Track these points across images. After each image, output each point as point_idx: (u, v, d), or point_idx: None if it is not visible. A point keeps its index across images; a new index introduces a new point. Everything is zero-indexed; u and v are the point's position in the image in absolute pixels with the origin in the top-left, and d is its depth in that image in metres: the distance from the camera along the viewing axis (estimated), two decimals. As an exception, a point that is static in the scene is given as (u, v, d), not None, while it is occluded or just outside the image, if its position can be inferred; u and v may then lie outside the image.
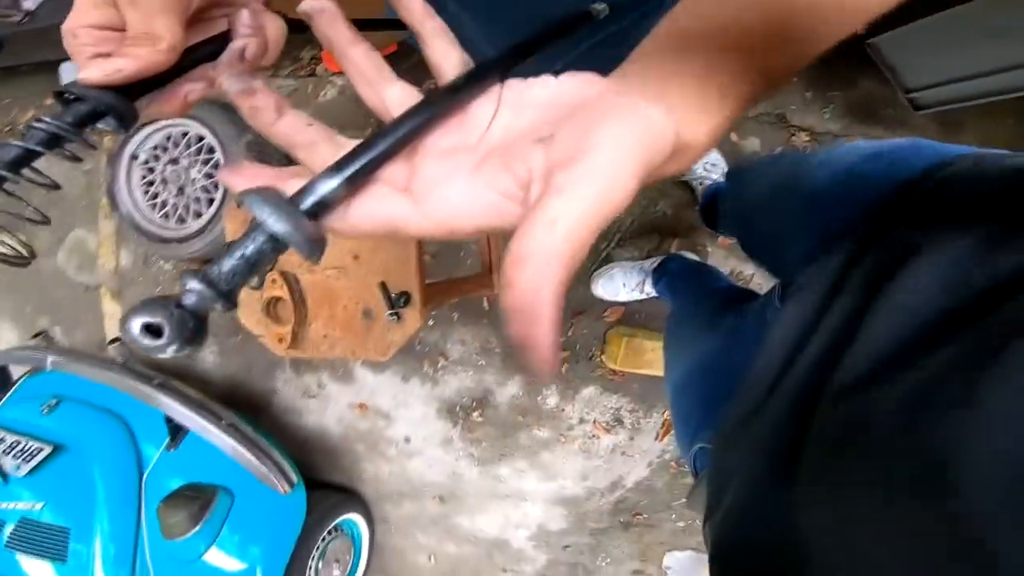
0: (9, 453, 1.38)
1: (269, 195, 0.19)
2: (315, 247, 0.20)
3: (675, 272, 1.27)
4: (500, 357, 1.61)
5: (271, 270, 1.07)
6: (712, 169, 1.34)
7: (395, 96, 0.24)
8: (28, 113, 2.16)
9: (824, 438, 0.29)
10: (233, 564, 1.43)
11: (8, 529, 1.35)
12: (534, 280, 0.18)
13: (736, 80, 0.23)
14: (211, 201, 1.63)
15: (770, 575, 0.29)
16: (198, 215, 1.65)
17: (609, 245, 1.47)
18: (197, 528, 1.36)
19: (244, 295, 1.09)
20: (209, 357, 1.95)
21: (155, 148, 1.70)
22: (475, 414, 1.67)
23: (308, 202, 0.20)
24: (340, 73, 1.68)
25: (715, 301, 0.85)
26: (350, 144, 0.23)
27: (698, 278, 1.15)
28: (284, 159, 1.69)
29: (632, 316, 1.49)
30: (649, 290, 1.40)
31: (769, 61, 0.24)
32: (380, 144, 0.21)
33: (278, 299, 1.09)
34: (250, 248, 0.20)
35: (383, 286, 1.01)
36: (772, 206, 0.64)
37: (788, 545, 0.28)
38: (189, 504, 1.38)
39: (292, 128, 0.24)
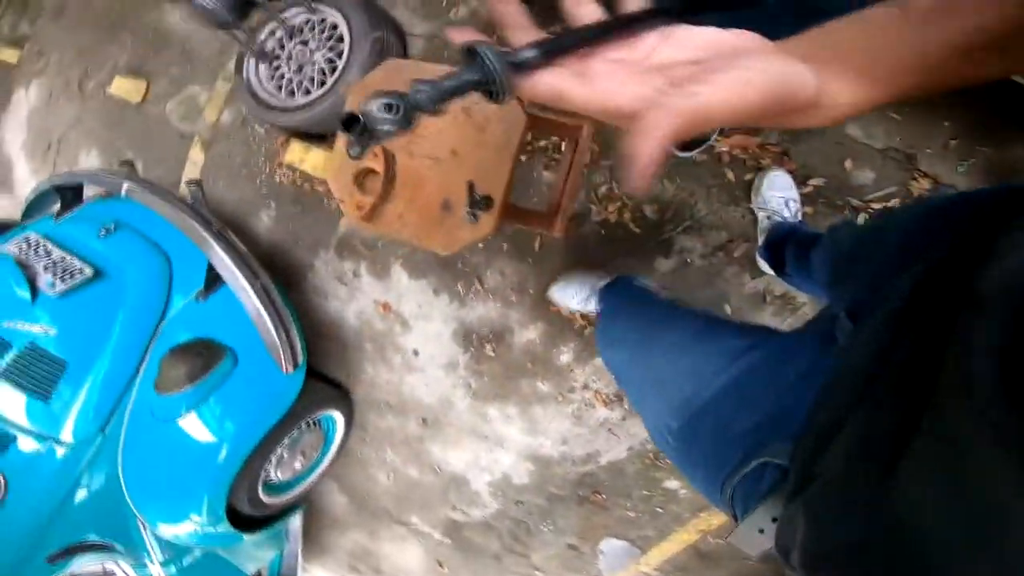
0: (50, 269, 1.37)
1: (489, 46, 0.28)
2: (508, 91, 0.28)
3: (621, 288, 1.34)
4: (532, 299, 1.66)
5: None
6: (785, 207, 1.35)
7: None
8: None
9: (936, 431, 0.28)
10: (204, 435, 1.39)
11: (11, 354, 1.29)
12: (662, 120, 0.25)
13: (894, 78, 0.29)
14: (322, 83, 1.78)
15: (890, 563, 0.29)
16: (307, 92, 1.80)
17: (675, 229, 1.53)
18: (190, 386, 1.34)
19: (339, 160, 1.20)
20: (264, 220, 2.06)
21: (292, 27, 1.88)
22: (488, 347, 1.71)
23: (515, 58, 0.29)
24: None
25: (690, 321, 0.80)
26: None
27: (652, 302, 1.16)
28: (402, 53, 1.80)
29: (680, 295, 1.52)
30: (593, 304, 1.46)
31: (935, 79, 0.29)
32: (569, 37, 0.30)
33: (371, 171, 1.16)
34: (464, 77, 0.29)
35: (470, 185, 1.07)
36: (858, 253, 0.66)
37: (902, 531, 0.28)
38: (193, 360, 1.36)
39: (513, 11, 0.32)
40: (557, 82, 0.29)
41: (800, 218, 1.38)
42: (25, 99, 2.84)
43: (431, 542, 1.84)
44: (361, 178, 1.18)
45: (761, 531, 0.46)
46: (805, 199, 1.41)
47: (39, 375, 1.29)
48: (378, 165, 1.14)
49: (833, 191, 1.39)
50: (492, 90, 0.28)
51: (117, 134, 2.45)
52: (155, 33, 2.43)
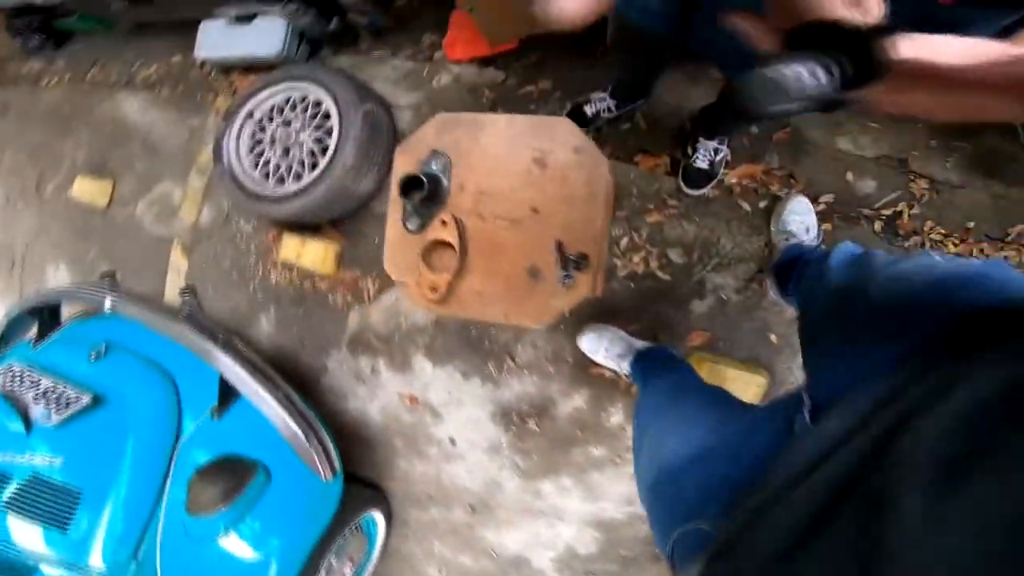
0: (41, 400, 1.28)
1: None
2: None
3: (656, 359, 1.31)
4: (570, 368, 1.58)
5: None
6: (805, 232, 1.36)
7: None
8: (151, 68, 2.29)
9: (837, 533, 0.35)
10: (247, 553, 1.28)
11: (12, 486, 1.21)
12: None
13: None
14: (314, 166, 1.68)
15: None
16: (298, 178, 1.70)
17: (704, 268, 1.48)
18: (226, 507, 1.24)
19: (397, 236, 1.08)
20: (264, 326, 1.93)
21: (271, 109, 1.78)
22: (531, 423, 1.62)
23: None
24: (457, 62, 1.76)
25: (703, 396, 0.89)
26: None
27: (678, 371, 1.18)
28: (393, 134, 1.75)
29: (716, 342, 1.48)
30: (625, 368, 1.42)
31: None
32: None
33: (441, 244, 1.03)
34: (844, 61, 0.27)
35: (559, 245, 0.96)
36: (837, 311, 0.68)
37: None
38: (224, 479, 1.26)
39: None
40: (909, 90, 0.31)
41: (820, 242, 1.41)
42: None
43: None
44: (429, 253, 1.04)
45: None
46: (820, 216, 1.43)
47: (51, 505, 1.21)
48: (450, 235, 0.99)
49: (843, 204, 1.44)
50: (868, 75, 0.28)
51: (87, 244, 2.28)
52: (113, 125, 2.30)
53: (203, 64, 2.16)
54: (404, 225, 1.08)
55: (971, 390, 0.34)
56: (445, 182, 1.06)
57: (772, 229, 1.43)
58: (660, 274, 1.51)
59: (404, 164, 1.09)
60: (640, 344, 1.44)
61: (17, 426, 1.22)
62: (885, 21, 0.30)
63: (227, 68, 2.11)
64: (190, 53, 2.00)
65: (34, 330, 1.63)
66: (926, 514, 0.28)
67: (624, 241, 1.54)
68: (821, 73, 0.26)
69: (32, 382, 1.31)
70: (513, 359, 1.63)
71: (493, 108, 1.72)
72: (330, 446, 1.45)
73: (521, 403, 1.63)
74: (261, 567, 1.29)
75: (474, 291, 1.04)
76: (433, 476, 1.74)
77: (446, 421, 1.71)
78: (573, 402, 1.59)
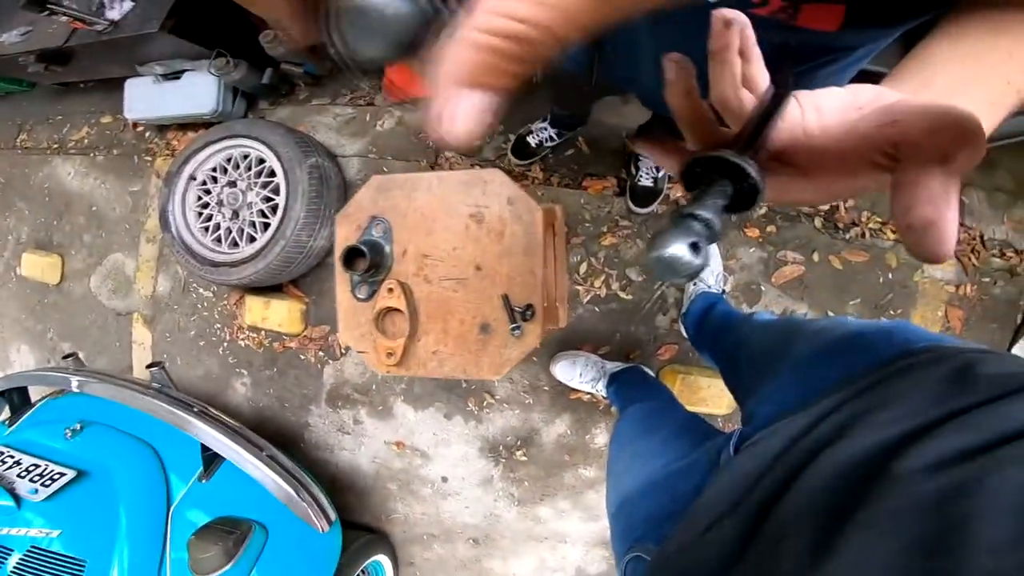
0: (26, 476, 1.36)
1: (732, 152, 0.29)
2: (765, 186, 0.29)
3: (630, 383, 1.41)
4: (549, 395, 1.68)
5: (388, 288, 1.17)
6: (708, 277, 1.49)
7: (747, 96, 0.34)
8: (81, 131, 2.34)
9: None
10: None
11: (14, 558, 1.29)
12: (944, 188, 0.25)
13: (1002, 99, 0.34)
14: (266, 226, 1.75)
15: None
16: (252, 240, 1.77)
17: (664, 283, 1.59)
18: (230, 566, 1.33)
19: (348, 306, 1.16)
20: (240, 390, 2.01)
21: (213, 170, 1.84)
22: (519, 453, 1.72)
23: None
24: (399, 103, 1.83)
25: (672, 426, 0.96)
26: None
27: (651, 399, 1.27)
28: (342, 185, 1.84)
29: (686, 354, 1.58)
30: (600, 390, 1.53)
31: None
32: (760, 125, 0.31)
33: (391, 310, 1.11)
34: (719, 189, 0.29)
35: (506, 299, 1.04)
36: (761, 363, 0.76)
37: None
38: (222, 539, 1.35)
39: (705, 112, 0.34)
40: (781, 181, 0.32)
41: (724, 288, 1.53)
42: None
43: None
44: (381, 321, 1.13)
45: None
46: (763, 220, 1.53)
47: (57, 574, 1.28)
48: (399, 302, 1.09)
49: (784, 205, 1.50)
50: (750, 199, 0.29)
51: (45, 323, 2.35)
52: (51, 195, 2.34)
53: (135, 124, 2.20)
54: (353, 294, 1.17)
55: (852, 442, 0.38)
56: (387, 248, 1.14)
57: None
58: (622, 295, 1.61)
59: (345, 234, 1.16)
60: (612, 366, 1.54)
61: (6, 501, 1.29)
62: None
63: (161, 127, 2.15)
64: (120, 112, 2.03)
65: (6, 411, 1.71)
66: (809, 571, 0.31)
67: (583, 267, 1.63)
68: (703, 241, 0.26)
69: (13, 460, 1.39)
70: (492, 395, 1.73)
71: (438, 150, 1.79)
72: (322, 498, 1.53)
73: (506, 436, 1.74)
74: (273, 621, 1.37)
75: (429, 352, 1.12)
76: (432, 515, 1.84)
77: (436, 461, 1.81)
78: (557, 428, 1.69)
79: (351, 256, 1.10)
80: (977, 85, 0.34)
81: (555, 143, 1.62)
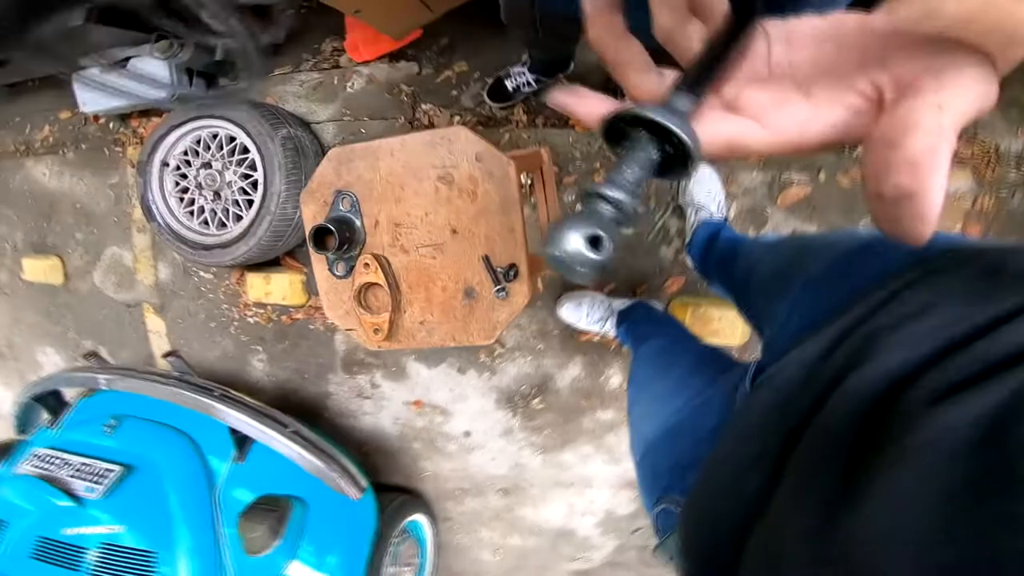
0: (78, 476, 1.46)
1: (653, 107, 0.24)
2: (699, 154, 0.24)
3: (639, 321, 1.38)
4: (559, 339, 1.70)
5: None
6: (710, 203, 1.43)
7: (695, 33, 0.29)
8: (43, 130, 2.34)
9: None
10: (313, 575, 1.52)
11: (91, 555, 1.38)
12: (929, 152, 0.21)
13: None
14: (250, 203, 1.76)
15: None
16: (239, 218, 1.78)
17: (664, 214, 1.54)
18: (278, 542, 1.44)
19: (327, 287, 1.17)
20: (258, 366, 2.10)
21: (185, 153, 1.84)
22: (535, 401, 1.77)
23: (679, 112, 0.25)
24: (365, 62, 1.77)
25: (686, 362, 0.93)
26: (668, 72, 0.29)
27: (662, 335, 1.23)
28: (319, 152, 1.82)
29: (694, 285, 1.56)
30: (609, 329, 1.51)
31: None
32: (710, 66, 0.26)
33: (371, 286, 1.12)
34: (642, 155, 0.24)
35: (487, 260, 1.04)
36: (772, 287, 0.72)
37: None
38: (266, 517, 1.45)
39: (635, 50, 0.29)
40: (723, 129, 0.27)
41: (727, 215, 1.47)
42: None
43: (562, 600, 2.00)
44: (363, 297, 1.15)
45: (671, 559, 0.56)
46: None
47: (133, 569, 1.39)
48: (376, 276, 1.11)
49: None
50: (682, 163, 0.25)
51: (62, 324, 2.47)
52: (32, 197, 2.38)
53: (96, 117, 2.18)
54: (331, 272, 1.18)
55: (875, 366, 0.35)
56: (357, 221, 1.13)
57: (680, 200, 1.49)
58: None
59: (311, 212, 1.15)
60: (619, 303, 1.53)
61: (66, 502, 1.40)
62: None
63: (123, 116, 2.13)
64: (76, 106, 2.00)
65: (45, 415, 1.83)
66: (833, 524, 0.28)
67: (579, 207, 1.59)
68: (609, 230, 0.23)
69: (63, 462, 1.51)
70: (502, 344, 1.76)
71: (414, 103, 1.73)
72: (351, 467, 1.63)
73: (520, 385, 1.78)
74: (329, 586, 1.51)
75: (416, 322, 1.14)
76: (460, 470, 1.94)
77: (456, 417, 1.88)
78: (570, 372, 1.73)
79: (320, 235, 1.09)
80: (995, 18, 0.26)
81: (532, 89, 1.56)
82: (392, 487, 2.01)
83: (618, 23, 0.28)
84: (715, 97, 0.28)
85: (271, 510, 1.48)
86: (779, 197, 1.48)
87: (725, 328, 1.49)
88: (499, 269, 1.05)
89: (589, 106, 0.29)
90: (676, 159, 0.25)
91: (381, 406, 1.97)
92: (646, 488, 0.70)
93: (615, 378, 1.69)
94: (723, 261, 1.20)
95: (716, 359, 0.92)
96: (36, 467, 1.51)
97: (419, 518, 1.94)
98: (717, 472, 0.46)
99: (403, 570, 1.86)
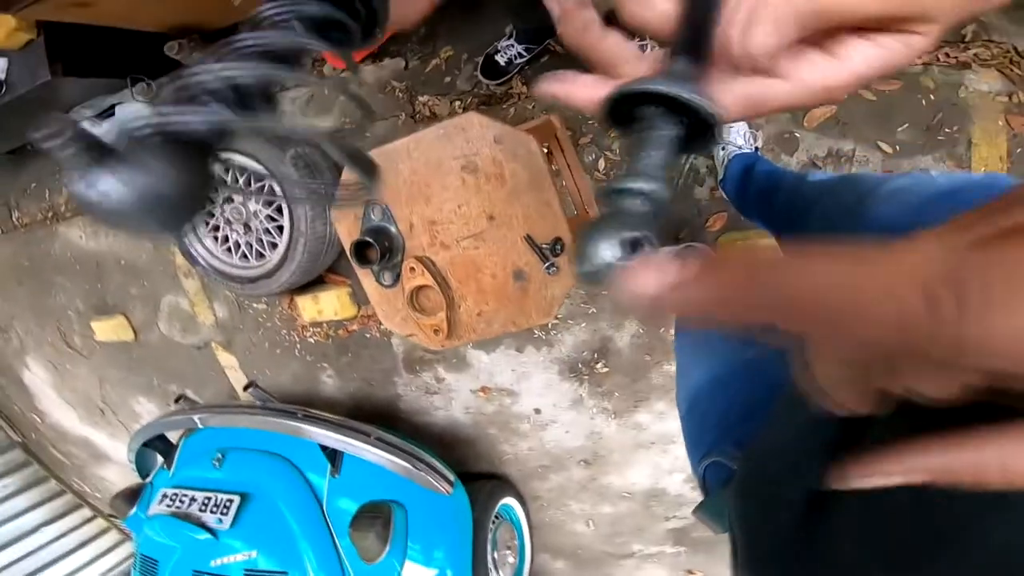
0: (205, 509, 1.56)
1: (660, 77, 0.21)
2: (721, 122, 0.22)
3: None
4: (609, 300, 1.64)
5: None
6: (737, 138, 1.34)
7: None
8: (63, 192, 2.41)
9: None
10: (426, 573, 1.58)
11: None
12: None
13: None
14: (280, 229, 1.78)
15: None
16: (274, 246, 1.81)
17: (689, 156, 1.45)
18: (388, 547, 1.51)
19: (379, 298, 1.17)
20: (328, 382, 2.17)
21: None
22: (599, 366, 1.74)
23: (687, 79, 0.22)
24: (345, 69, 1.72)
25: None
26: (650, 54, 0.26)
27: None
28: (333, 167, 1.81)
29: (737, 219, 1.46)
30: None
31: None
32: (699, 20, 0.22)
33: (421, 288, 1.11)
34: (666, 134, 0.22)
35: (530, 239, 1.02)
36: (831, 230, 0.64)
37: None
38: (372, 525, 1.52)
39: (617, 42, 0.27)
40: (748, 91, 0.24)
41: (757, 145, 1.38)
42: (36, 378, 3.08)
43: (667, 557, 1.98)
44: (415, 300, 1.14)
45: (720, 515, 0.54)
46: None
47: None
48: (424, 278, 1.10)
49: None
50: (704, 134, 0.23)
51: (145, 374, 2.62)
52: (78, 262, 2.50)
53: None
54: (379, 283, 1.17)
55: None
56: (392, 228, 1.12)
57: None
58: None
59: (345, 230, 1.14)
60: (663, 251, 1.47)
61: (204, 536, 1.51)
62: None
63: None
64: None
65: (160, 458, 1.96)
66: None
67: (602, 163, 1.52)
68: (645, 228, 0.20)
69: (189, 499, 1.61)
70: (555, 316, 1.73)
71: (411, 97, 1.69)
72: (436, 463, 1.68)
73: (581, 352, 1.75)
74: (441, 579, 1.58)
75: (473, 315, 1.12)
76: (538, 447, 1.95)
77: (523, 396, 1.88)
78: (628, 330, 1.67)
79: (361, 250, 1.09)
80: None
81: (525, 59, 1.50)
82: (478, 475, 2.05)
83: (591, 17, 0.26)
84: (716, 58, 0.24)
85: (375, 517, 1.55)
86: (804, 119, 1.36)
87: (781, 257, 1.40)
88: (544, 245, 1.02)
89: (584, 91, 0.26)
90: (697, 130, 0.22)
91: (450, 398, 1.99)
92: (692, 441, 0.68)
93: (674, 328, 1.63)
94: (763, 194, 1.14)
95: None
96: (168, 506, 1.62)
97: (510, 501, 1.98)
98: (786, 419, 0.42)
99: (505, 553, 1.92)
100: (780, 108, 0.25)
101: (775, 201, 1.02)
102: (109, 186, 0.25)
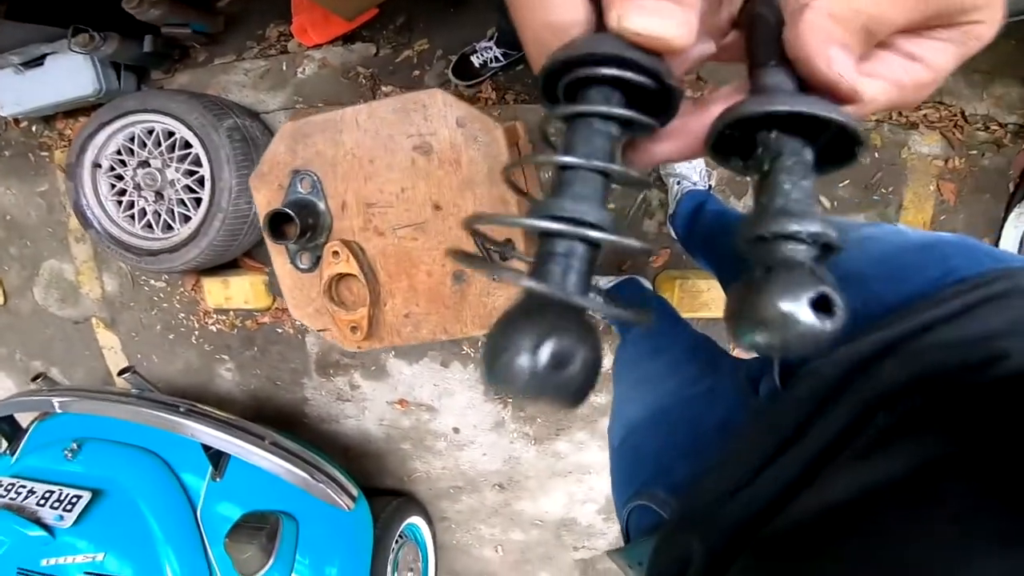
0: (45, 504, 1.36)
1: (770, 95, 0.18)
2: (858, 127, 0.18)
3: (628, 302, 1.27)
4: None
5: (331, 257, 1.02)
6: (692, 174, 1.35)
7: None
8: None
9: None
10: None
11: None
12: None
13: None
14: (198, 201, 1.58)
15: None
16: (187, 219, 1.60)
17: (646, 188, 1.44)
18: (272, 561, 1.34)
19: (293, 280, 1.02)
20: (226, 376, 1.93)
21: (118, 152, 1.64)
22: (526, 390, 1.67)
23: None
24: (316, 46, 1.61)
25: (680, 346, 0.85)
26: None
27: (656, 316, 1.14)
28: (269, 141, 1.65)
29: (679, 258, 1.46)
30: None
31: None
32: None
33: (343, 277, 0.98)
34: (793, 161, 0.18)
35: (476, 236, 0.92)
36: None
37: None
38: (255, 536, 1.35)
39: None
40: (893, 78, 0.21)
41: (710, 183, 1.40)
42: None
43: (572, 590, 1.92)
44: (334, 290, 1.00)
45: (640, 564, 0.50)
46: None
47: None
48: (348, 265, 0.96)
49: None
50: (841, 151, 0.20)
51: (7, 345, 2.24)
52: None
53: (16, 121, 1.96)
54: (294, 266, 1.02)
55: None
56: (320, 204, 0.98)
57: (661, 171, 1.41)
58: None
59: (264, 199, 1.00)
60: (605, 282, 1.44)
61: (37, 532, 1.30)
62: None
63: (46, 118, 1.91)
64: None
65: (3, 443, 1.68)
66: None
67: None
68: (828, 281, 0.17)
69: (27, 491, 1.40)
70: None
71: (374, 86, 1.59)
72: (339, 475, 1.53)
73: (510, 374, 1.67)
74: (334, 601, 1.42)
75: (400, 316, 1.00)
76: (452, 468, 1.83)
77: (443, 413, 1.77)
78: (561, 357, 1.62)
79: (277, 223, 0.94)
80: None
81: (501, 64, 1.45)
82: (384, 491, 1.90)
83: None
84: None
85: (259, 528, 1.37)
86: None
87: (715, 300, 1.41)
88: (492, 248, 0.92)
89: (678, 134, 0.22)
90: (832, 149, 0.19)
91: (363, 408, 1.83)
92: (622, 478, 0.64)
93: (607, 360, 1.58)
94: (710, 235, 1.13)
95: (711, 348, 0.84)
96: (0, 497, 1.41)
97: (416, 521, 1.85)
98: (735, 465, 0.41)
99: (407, 574, 1.76)
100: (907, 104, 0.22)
101: (720, 244, 1.00)
102: None
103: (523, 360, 0.15)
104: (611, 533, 1.79)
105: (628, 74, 0.17)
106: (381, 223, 0.97)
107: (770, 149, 0.18)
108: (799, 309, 0.15)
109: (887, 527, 0.25)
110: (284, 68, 1.67)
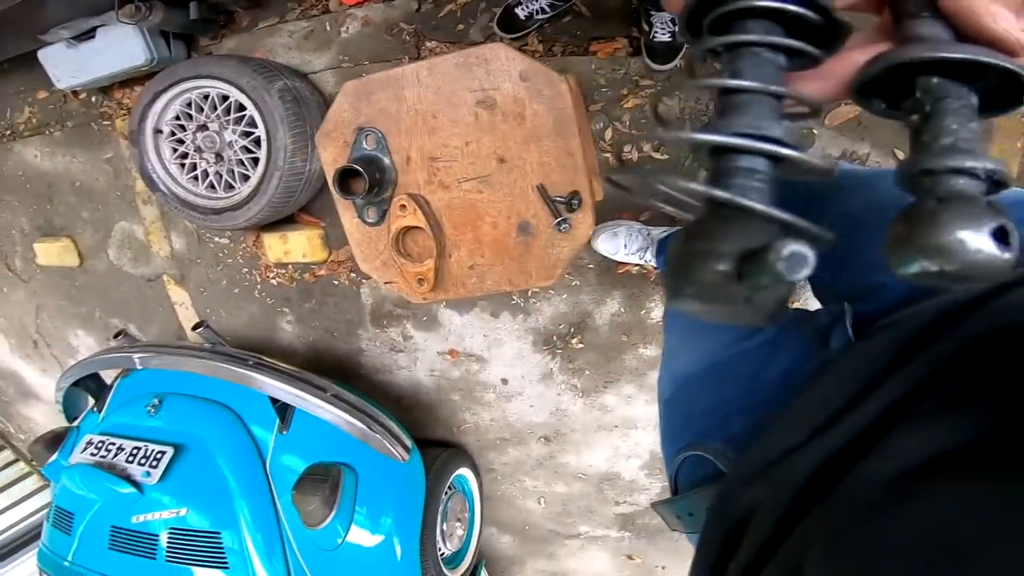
0: (133, 461, 1.42)
1: (933, 43, 0.18)
2: None
3: None
4: (595, 273, 1.60)
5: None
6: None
7: None
8: (23, 112, 2.20)
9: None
10: (371, 539, 1.49)
11: (163, 540, 1.37)
12: None
13: None
14: (256, 161, 1.64)
15: None
16: (246, 178, 1.67)
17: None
18: (334, 512, 1.40)
19: (361, 234, 1.06)
20: (287, 328, 2.04)
21: (177, 118, 1.71)
22: (574, 341, 1.69)
23: None
24: (358, 4, 1.61)
25: None
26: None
27: None
28: (323, 103, 1.68)
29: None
30: (650, 259, 1.42)
31: None
32: None
33: (410, 230, 1.00)
34: (959, 104, 0.18)
35: (542, 190, 0.93)
36: (873, 224, 0.58)
37: None
38: (319, 488, 1.40)
39: None
40: None
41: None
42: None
43: (611, 542, 1.97)
44: (401, 243, 1.03)
45: (691, 515, 0.51)
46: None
47: (203, 551, 1.38)
48: (415, 218, 0.98)
49: None
50: (1006, 95, 0.20)
51: (86, 305, 2.41)
52: (29, 181, 2.28)
53: (75, 93, 2.04)
54: (362, 220, 1.06)
55: None
56: (386, 160, 1.01)
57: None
58: (657, 156, 1.46)
59: (331, 155, 1.04)
60: (658, 232, 1.43)
61: (128, 489, 1.37)
62: None
63: (103, 88, 1.99)
64: (51, 85, 1.87)
65: (90, 400, 1.79)
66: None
67: (608, 134, 1.47)
68: (1005, 215, 0.17)
69: (117, 448, 1.46)
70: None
71: (418, 42, 1.58)
72: (394, 427, 1.59)
73: (558, 324, 1.69)
74: (387, 546, 1.51)
75: (465, 267, 1.04)
76: (500, 419, 1.90)
77: (492, 364, 1.82)
78: (609, 308, 1.63)
79: (345, 178, 0.98)
80: None
81: (547, 16, 1.42)
82: (435, 442, 1.98)
83: None
84: None
85: (323, 480, 1.43)
86: (827, 116, 1.34)
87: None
88: (558, 199, 0.94)
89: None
90: (995, 94, 0.19)
91: (415, 358, 1.90)
92: (673, 430, 0.62)
93: (656, 311, 1.59)
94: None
95: None
96: (92, 455, 1.46)
97: (464, 472, 1.92)
98: (802, 420, 0.39)
99: (455, 524, 1.86)
100: None
101: (785, 190, 0.97)
102: None
103: (723, 266, 0.16)
104: (653, 489, 1.83)
105: (799, 8, 0.18)
106: (446, 176, 1.00)
107: (932, 93, 0.19)
108: (979, 238, 0.16)
109: (953, 496, 0.24)
110: (327, 28, 1.68)
